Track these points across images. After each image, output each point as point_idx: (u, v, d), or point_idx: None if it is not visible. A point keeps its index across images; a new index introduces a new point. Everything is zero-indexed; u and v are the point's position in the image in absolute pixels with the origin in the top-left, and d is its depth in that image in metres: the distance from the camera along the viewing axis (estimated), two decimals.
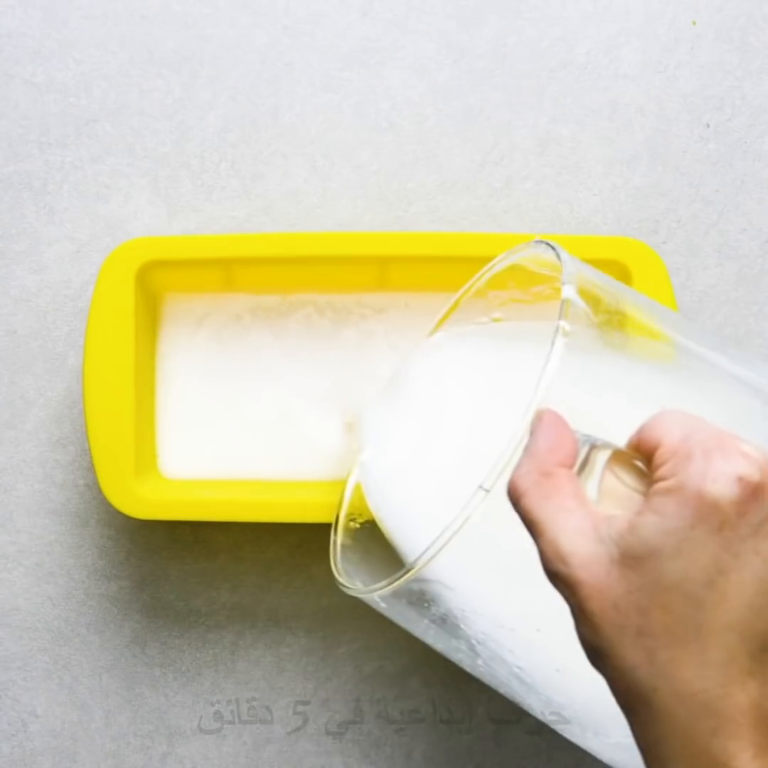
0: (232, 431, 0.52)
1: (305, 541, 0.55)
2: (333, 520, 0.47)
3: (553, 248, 0.38)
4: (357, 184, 0.56)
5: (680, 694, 0.28)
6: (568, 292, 0.35)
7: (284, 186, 0.56)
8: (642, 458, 0.31)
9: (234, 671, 0.55)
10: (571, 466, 0.31)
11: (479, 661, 0.39)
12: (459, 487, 0.34)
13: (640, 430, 0.31)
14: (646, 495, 0.30)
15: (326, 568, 0.55)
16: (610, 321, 0.36)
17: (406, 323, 0.53)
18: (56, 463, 0.55)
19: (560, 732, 0.41)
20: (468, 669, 0.41)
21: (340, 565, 0.44)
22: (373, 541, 0.44)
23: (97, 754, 0.55)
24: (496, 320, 0.47)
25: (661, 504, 0.29)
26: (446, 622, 0.38)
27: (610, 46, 0.56)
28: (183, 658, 0.55)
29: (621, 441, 0.32)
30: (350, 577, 0.43)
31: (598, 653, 0.30)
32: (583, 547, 0.29)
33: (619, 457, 0.31)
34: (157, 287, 0.52)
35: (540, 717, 0.41)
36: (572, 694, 0.38)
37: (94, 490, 0.55)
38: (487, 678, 0.41)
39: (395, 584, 0.36)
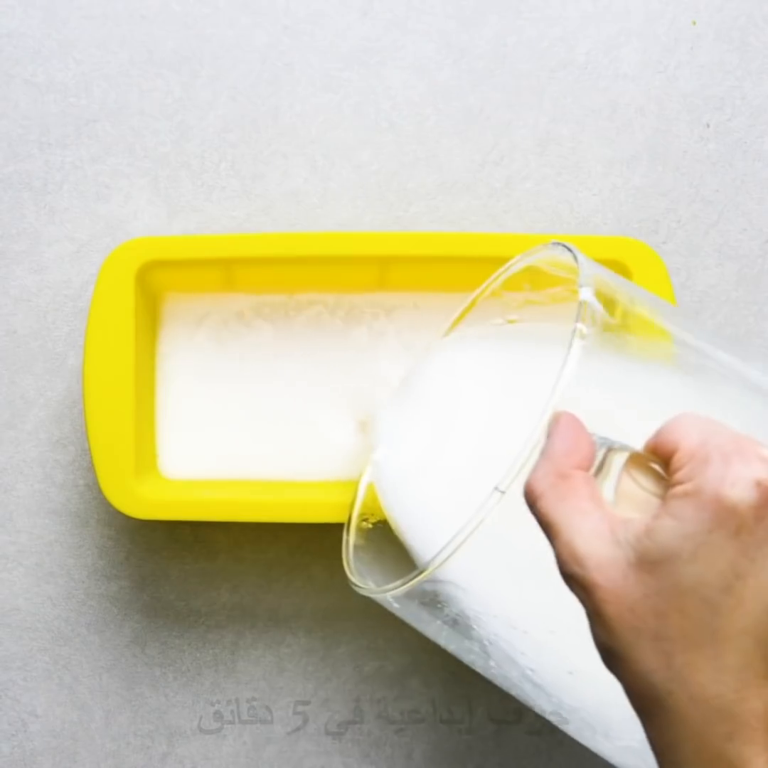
0: (233, 431, 0.52)
1: (305, 541, 0.55)
2: (345, 520, 0.48)
3: (569, 250, 0.38)
4: (357, 184, 0.56)
5: (695, 699, 0.28)
6: (585, 294, 0.35)
7: (284, 186, 0.56)
8: (659, 461, 0.31)
9: (234, 671, 0.55)
10: (587, 469, 0.31)
11: (491, 663, 0.39)
12: (472, 487, 0.34)
13: (658, 434, 0.31)
14: (663, 498, 0.30)
15: (326, 568, 0.55)
16: (627, 324, 0.36)
17: (415, 324, 0.53)
18: (56, 463, 0.55)
19: (571, 734, 0.41)
20: (480, 670, 0.41)
21: (352, 565, 0.44)
22: (385, 542, 0.44)
23: (97, 754, 0.55)
24: (511, 322, 0.47)
25: (678, 508, 0.29)
26: (459, 623, 0.38)
27: (610, 46, 0.56)
28: (183, 658, 0.55)
29: (638, 444, 0.32)
30: (363, 577, 0.43)
31: (613, 656, 0.30)
32: (600, 549, 0.29)
33: (636, 459, 0.31)
34: (157, 287, 0.52)
35: (551, 719, 0.41)
36: (584, 696, 0.38)
37: (94, 490, 0.55)
38: (499, 679, 0.41)
39: (409, 585, 0.36)
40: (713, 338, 0.39)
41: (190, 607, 0.55)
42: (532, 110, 0.56)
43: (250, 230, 0.55)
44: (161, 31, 0.56)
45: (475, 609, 0.37)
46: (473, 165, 0.56)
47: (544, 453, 0.31)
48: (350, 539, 0.46)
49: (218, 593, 0.55)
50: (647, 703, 0.29)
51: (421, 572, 0.35)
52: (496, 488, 0.32)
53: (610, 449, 0.32)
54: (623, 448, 0.32)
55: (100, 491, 0.52)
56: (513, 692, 0.41)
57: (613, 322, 0.35)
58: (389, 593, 0.37)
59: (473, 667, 0.41)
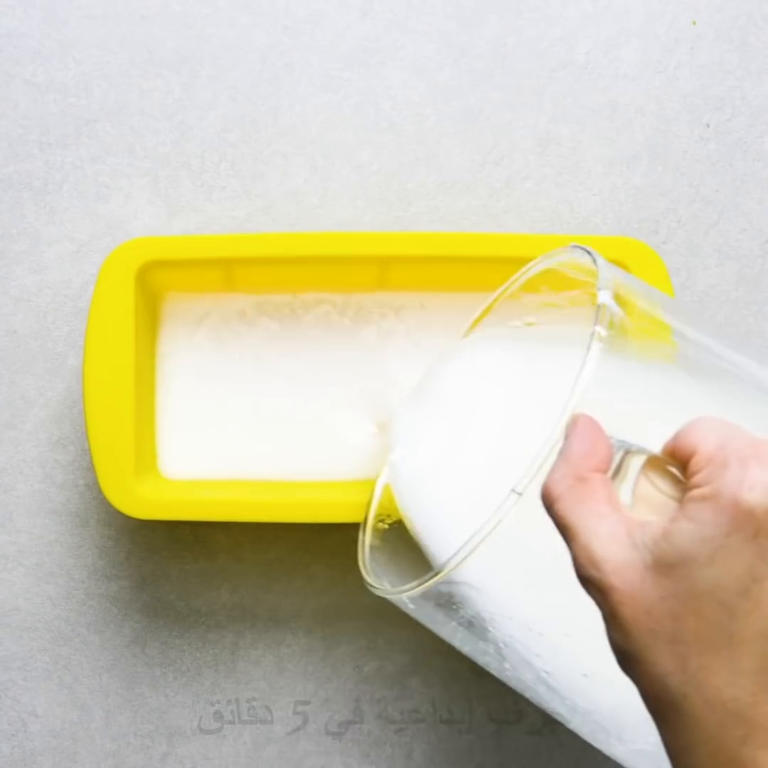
0: (233, 431, 0.52)
1: (305, 541, 0.55)
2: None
3: (589, 253, 0.38)
4: (357, 184, 0.56)
5: (710, 702, 0.28)
6: (604, 297, 0.35)
7: (284, 186, 0.56)
8: (677, 465, 0.31)
9: (234, 671, 0.55)
10: (605, 471, 0.31)
11: (506, 665, 0.39)
12: (490, 489, 0.34)
13: (676, 437, 0.31)
14: (680, 502, 0.30)
15: (326, 568, 0.55)
16: (645, 327, 0.36)
17: (423, 323, 0.53)
18: (56, 463, 0.55)
19: (584, 737, 0.41)
20: (495, 672, 0.41)
21: (368, 565, 0.44)
22: (400, 542, 0.44)
23: (97, 754, 0.55)
24: (529, 324, 0.47)
25: (696, 511, 0.29)
26: (474, 625, 0.38)
27: (610, 46, 0.56)
28: (183, 658, 0.55)
29: (656, 447, 0.32)
30: (378, 577, 0.43)
31: (628, 659, 0.30)
32: (617, 552, 0.29)
33: (654, 463, 0.31)
34: (157, 287, 0.52)
35: (565, 722, 0.41)
36: (598, 699, 0.38)
37: (94, 490, 0.55)
38: (513, 682, 0.41)
39: (424, 586, 0.36)
40: (735, 343, 0.39)
41: (190, 607, 0.55)
42: (532, 110, 0.56)
43: (250, 230, 0.55)
44: (161, 31, 0.56)
45: (490, 611, 0.37)
46: (473, 165, 0.56)
47: (562, 455, 0.31)
48: (366, 539, 0.46)
49: (218, 593, 0.55)
50: (662, 706, 0.29)
51: (437, 573, 0.35)
52: (513, 490, 0.32)
53: (628, 452, 0.32)
54: (641, 450, 0.32)
55: (100, 491, 0.52)
56: (527, 695, 0.41)
57: (632, 325, 0.35)
58: (405, 594, 0.37)
59: (488, 668, 0.41)
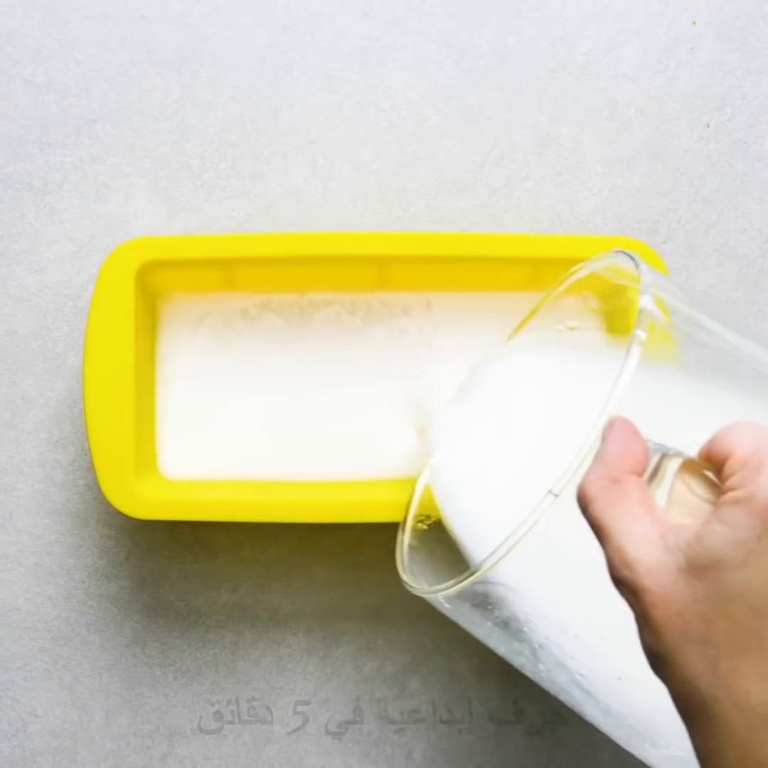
0: (232, 431, 0.52)
1: (305, 541, 0.55)
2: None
3: (632, 258, 0.39)
4: (357, 184, 0.56)
5: (740, 705, 0.28)
6: (645, 302, 0.35)
7: (284, 186, 0.56)
8: (713, 468, 0.31)
9: (234, 671, 0.55)
10: (640, 474, 0.31)
11: (541, 667, 0.40)
12: (528, 492, 0.34)
13: (712, 441, 0.31)
14: (715, 505, 0.30)
15: (326, 568, 0.55)
16: (686, 332, 0.36)
17: (433, 321, 0.53)
18: (56, 463, 0.55)
19: (617, 741, 0.41)
20: (529, 674, 0.42)
21: (406, 565, 0.45)
22: (437, 544, 0.45)
23: (97, 754, 0.55)
24: (571, 328, 0.47)
25: (729, 514, 0.29)
26: (509, 626, 0.39)
27: (610, 46, 0.56)
28: (183, 658, 0.55)
29: (693, 451, 0.32)
30: (415, 577, 0.44)
31: (660, 661, 0.30)
32: (650, 554, 0.29)
33: (689, 466, 0.32)
34: (157, 287, 0.52)
35: (599, 726, 0.41)
36: (632, 703, 0.38)
37: (94, 490, 0.55)
38: (547, 684, 0.41)
39: (461, 585, 0.36)
40: None
41: (190, 607, 0.55)
42: (532, 110, 0.56)
43: (250, 230, 0.55)
44: (161, 31, 0.56)
45: (526, 611, 0.38)
46: (473, 165, 0.56)
47: (598, 457, 0.32)
48: (405, 539, 0.46)
49: (218, 593, 0.55)
50: (692, 709, 0.29)
51: (473, 573, 0.35)
52: (549, 491, 0.33)
53: (665, 455, 0.32)
54: (678, 454, 0.32)
55: (100, 491, 0.52)
56: (561, 697, 0.41)
57: (673, 330, 0.36)
58: (441, 593, 0.37)
59: (523, 670, 0.42)
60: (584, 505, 0.31)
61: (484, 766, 0.55)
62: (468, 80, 0.56)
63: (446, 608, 0.40)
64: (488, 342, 0.52)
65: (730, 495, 0.29)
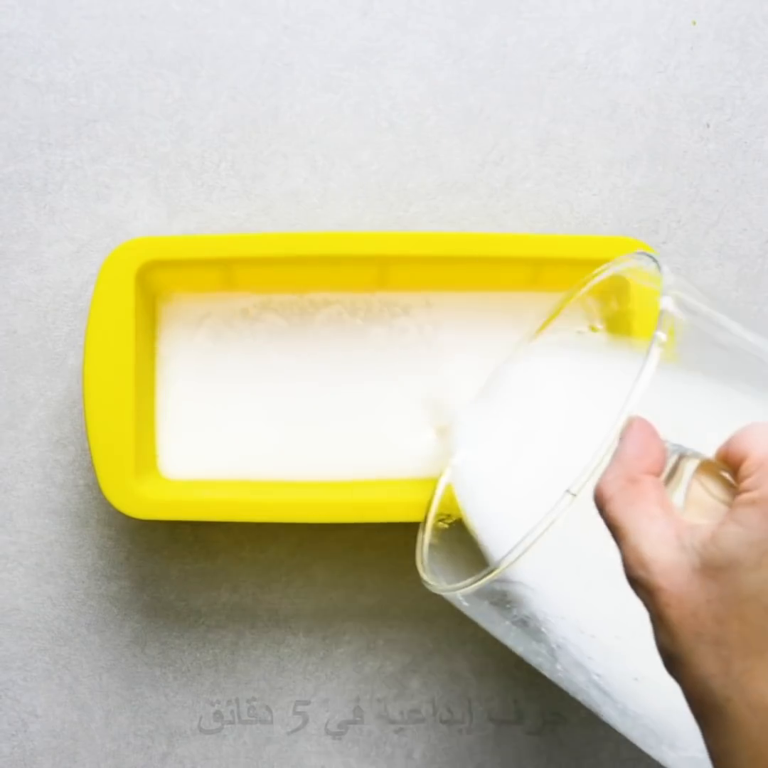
0: (232, 430, 0.52)
1: (305, 541, 0.55)
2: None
3: (654, 260, 0.39)
4: (357, 184, 0.56)
5: (753, 706, 0.28)
6: (666, 303, 0.35)
7: (284, 186, 0.56)
8: (729, 469, 0.31)
9: (234, 671, 0.55)
10: (658, 474, 0.32)
11: (558, 666, 0.40)
12: (551, 491, 0.34)
13: (729, 442, 0.31)
14: (731, 506, 0.30)
15: (326, 568, 0.55)
16: (707, 333, 0.37)
17: (431, 321, 0.53)
18: (56, 463, 0.55)
19: (634, 742, 0.41)
20: (547, 674, 0.42)
21: (426, 563, 0.45)
22: (458, 543, 0.45)
23: (97, 754, 0.55)
24: (593, 329, 0.48)
25: (744, 515, 0.29)
26: (528, 625, 0.39)
27: (610, 46, 0.56)
28: (183, 658, 0.55)
29: (711, 452, 0.32)
30: (435, 575, 0.44)
31: (674, 661, 0.30)
32: (665, 554, 0.30)
33: (707, 467, 0.32)
34: (157, 287, 0.52)
35: (616, 726, 0.41)
36: (649, 704, 0.38)
37: (94, 490, 0.55)
38: (565, 684, 0.41)
39: (479, 583, 0.36)
40: None
41: (190, 607, 0.55)
42: (532, 110, 0.56)
43: (250, 230, 0.55)
44: (161, 31, 0.56)
45: (544, 611, 0.38)
46: (473, 165, 0.56)
47: (616, 457, 0.32)
48: (425, 538, 0.47)
49: (218, 593, 0.55)
50: (706, 709, 0.29)
51: (491, 571, 0.35)
52: (568, 491, 0.33)
53: (683, 456, 0.32)
54: (695, 455, 0.32)
55: (100, 491, 0.52)
56: (579, 697, 0.41)
57: (693, 332, 0.36)
58: (459, 591, 0.38)
59: (540, 669, 0.42)
60: (601, 504, 0.32)
61: (484, 766, 0.55)
62: (468, 80, 0.56)
63: (465, 606, 0.40)
64: (489, 342, 0.52)
65: (745, 496, 0.29)
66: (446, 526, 0.47)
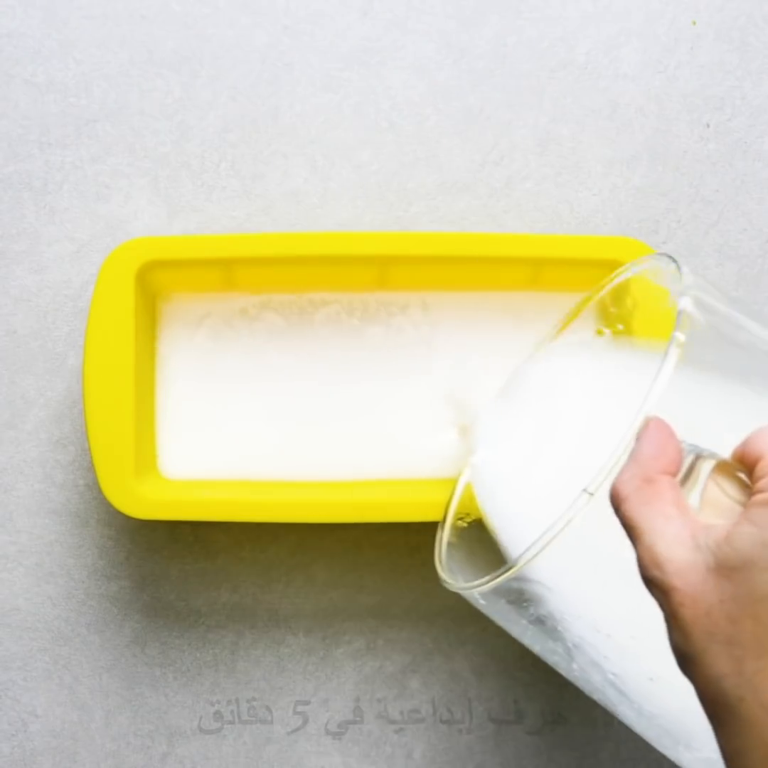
0: (232, 430, 0.52)
1: (305, 541, 0.55)
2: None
3: (673, 261, 0.39)
4: (357, 184, 0.56)
5: (766, 706, 0.28)
6: (685, 303, 0.35)
7: (284, 186, 0.56)
8: (745, 470, 0.31)
9: (234, 671, 0.55)
10: (674, 474, 0.32)
11: (574, 666, 0.40)
12: (570, 492, 0.34)
13: (744, 443, 0.31)
14: (745, 507, 0.30)
15: (326, 568, 0.55)
16: (725, 333, 0.37)
17: (430, 320, 0.53)
18: (56, 463, 0.55)
19: (650, 742, 0.41)
20: (563, 673, 0.42)
21: (444, 562, 0.45)
22: (476, 542, 0.45)
23: (97, 754, 0.55)
24: (613, 330, 0.48)
25: (758, 515, 0.29)
26: (544, 624, 0.39)
27: (610, 46, 0.56)
28: (183, 658, 0.55)
29: (728, 453, 0.32)
30: (453, 574, 0.44)
31: (687, 660, 0.30)
32: (680, 554, 0.30)
33: (723, 468, 0.32)
34: (157, 287, 0.52)
35: (632, 726, 0.41)
36: (664, 704, 0.38)
37: (94, 490, 0.55)
38: (581, 683, 0.41)
39: (495, 582, 0.36)
40: None
41: (190, 607, 0.55)
42: (532, 110, 0.56)
43: (250, 230, 0.55)
44: (161, 31, 0.56)
45: (560, 610, 0.38)
46: (473, 165, 0.56)
47: (632, 457, 0.32)
48: (444, 536, 0.47)
49: (218, 593, 0.55)
50: (718, 709, 0.29)
51: (507, 569, 0.36)
52: (585, 490, 0.33)
53: (699, 456, 0.32)
54: (712, 455, 0.32)
55: (100, 491, 0.52)
56: (595, 696, 0.41)
57: (711, 333, 0.36)
58: (476, 590, 0.38)
59: (557, 669, 0.42)
60: (617, 503, 0.32)
61: (484, 766, 0.55)
62: (468, 80, 0.56)
63: (482, 604, 0.40)
64: (489, 342, 0.52)
65: (759, 496, 0.29)
66: (465, 524, 0.47)
